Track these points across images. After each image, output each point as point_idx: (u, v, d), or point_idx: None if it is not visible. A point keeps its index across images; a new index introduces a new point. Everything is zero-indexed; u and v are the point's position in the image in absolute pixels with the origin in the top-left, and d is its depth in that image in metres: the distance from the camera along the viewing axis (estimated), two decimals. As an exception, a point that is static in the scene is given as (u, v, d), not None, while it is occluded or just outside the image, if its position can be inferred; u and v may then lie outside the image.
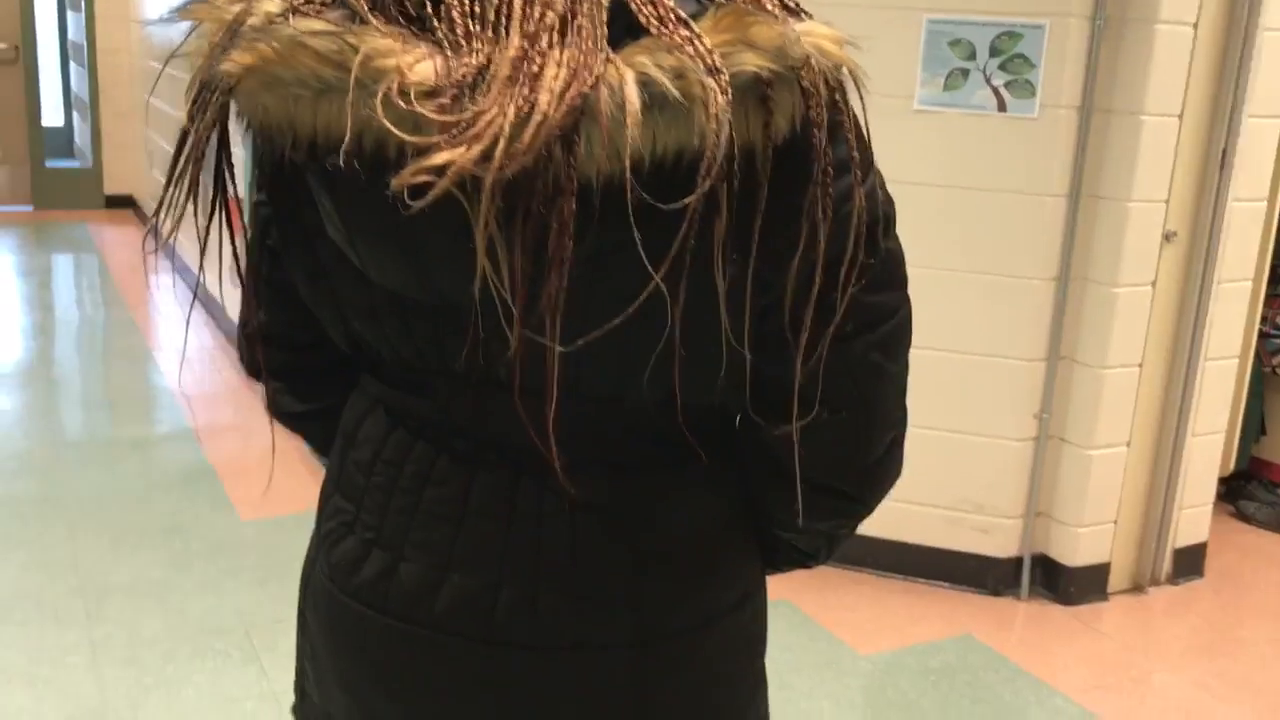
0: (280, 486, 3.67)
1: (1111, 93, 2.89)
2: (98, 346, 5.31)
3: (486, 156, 0.77)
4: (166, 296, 6.04)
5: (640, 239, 0.79)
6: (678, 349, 0.85)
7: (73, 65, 9.11)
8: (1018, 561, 3.18)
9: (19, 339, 5.26)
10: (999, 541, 3.17)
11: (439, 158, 0.78)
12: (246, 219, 1.08)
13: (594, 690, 0.97)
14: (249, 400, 4.44)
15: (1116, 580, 3.22)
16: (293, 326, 1.09)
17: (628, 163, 0.77)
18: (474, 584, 0.96)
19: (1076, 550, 3.14)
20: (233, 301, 4.94)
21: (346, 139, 0.81)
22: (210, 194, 1.00)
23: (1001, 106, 2.92)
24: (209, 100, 0.89)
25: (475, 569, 0.96)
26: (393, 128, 0.79)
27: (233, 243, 1.05)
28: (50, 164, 8.03)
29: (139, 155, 7.81)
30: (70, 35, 9.04)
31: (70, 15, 8.99)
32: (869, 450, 0.98)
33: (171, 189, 0.96)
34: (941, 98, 2.95)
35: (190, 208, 0.97)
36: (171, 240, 1.04)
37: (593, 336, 0.83)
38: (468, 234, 0.80)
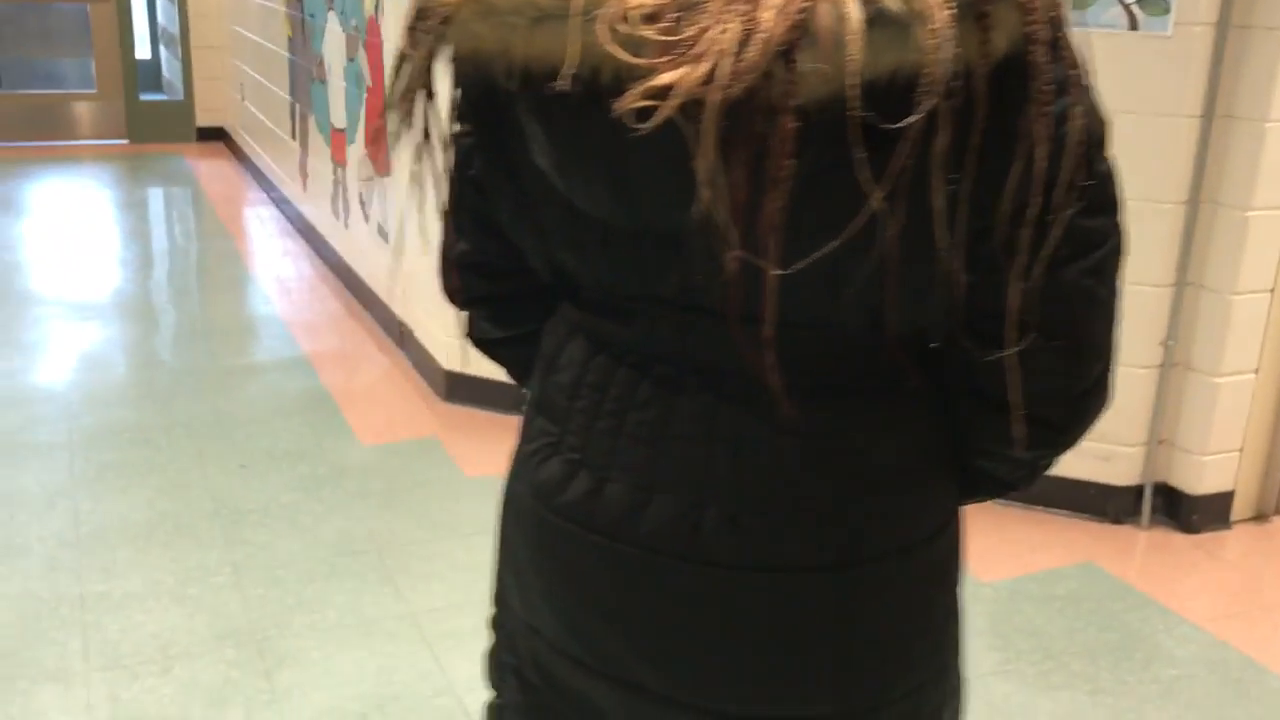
0: (397, 413, 3.74)
1: (1251, 7, 2.79)
2: (205, 276, 5.42)
3: (710, 76, 0.77)
4: (266, 227, 6.13)
5: (857, 159, 0.79)
6: (894, 272, 0.85)
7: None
8: (1138, 490, 3.15)
9: (128, 270, 5.38)
10: (1120, 469, 3.14)
11: (662, 79, 0.78)
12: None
13: (794, 611, 0.99)
14: (354, 329, 4.52)
15: (1240, 509, 3.18)
16: (493, 255, 1.10)
17: (853, 80, 0.77)
18: (678, 504, 0.97)
19: (1200, 478, 3.10)
20: (333, 233, 4.96)
21: (566, 64, 0.82)
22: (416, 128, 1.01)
23: (1133, 24, 2.83)
24: (426, 29, 0.90)
25: (678, 490, 0.97)
26: (616, 51, 0.80)
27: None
28: (143, 97, 8.14)
29: (228, 87, 7.88)
30: (156, -32, 9.12)
31: (156, -52, 9.07)
32: (1079, 380, 0.97)
33: (387, 118, 0.97)
34: (1071, 16, 2.86)
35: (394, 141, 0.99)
36: (372, 170, 1.06)
37: (810, 259, 0.83)
38: (680, 156, 0.81)
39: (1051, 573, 2.90)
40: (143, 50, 8.79)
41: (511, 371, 1.22)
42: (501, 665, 1.18)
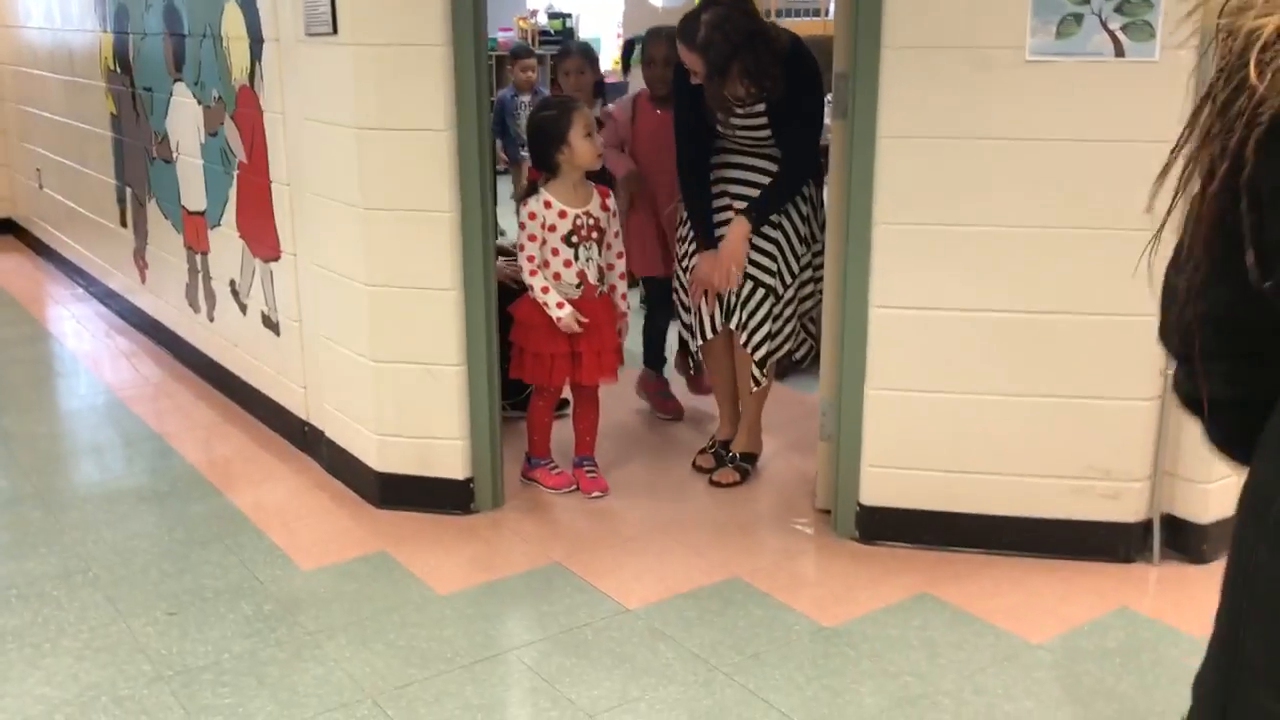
0: (329, 528, 3.30)
1: (1228, 29, 2.76)
2: (43, 387, 4.76)
3: None
4: (93, 325, 5.49)
5: None
6: None
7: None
8: (1146, 525, 3.06)
9: (-56, 389, 4.67)
10: (1129, 506, 3.04)
11: None
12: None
13: None
14: (240, 434, 4.03)
15: (1241, 533, 3.13)
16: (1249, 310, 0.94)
17: None
18: None
19: (1206, 507, 3.03)
20: (192, 328, 4.39)
21: None
22: None
23: (1119, 52, 2.75)
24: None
25: None
26: None
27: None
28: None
29: (17, 174, 7.13)
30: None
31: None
32: None
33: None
34: (1054, 46, 2.77)
35: None
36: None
37: None
38: None
39: (1094, 625, 2.76)
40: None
41: (1231, 445, 1.05)
42: None
